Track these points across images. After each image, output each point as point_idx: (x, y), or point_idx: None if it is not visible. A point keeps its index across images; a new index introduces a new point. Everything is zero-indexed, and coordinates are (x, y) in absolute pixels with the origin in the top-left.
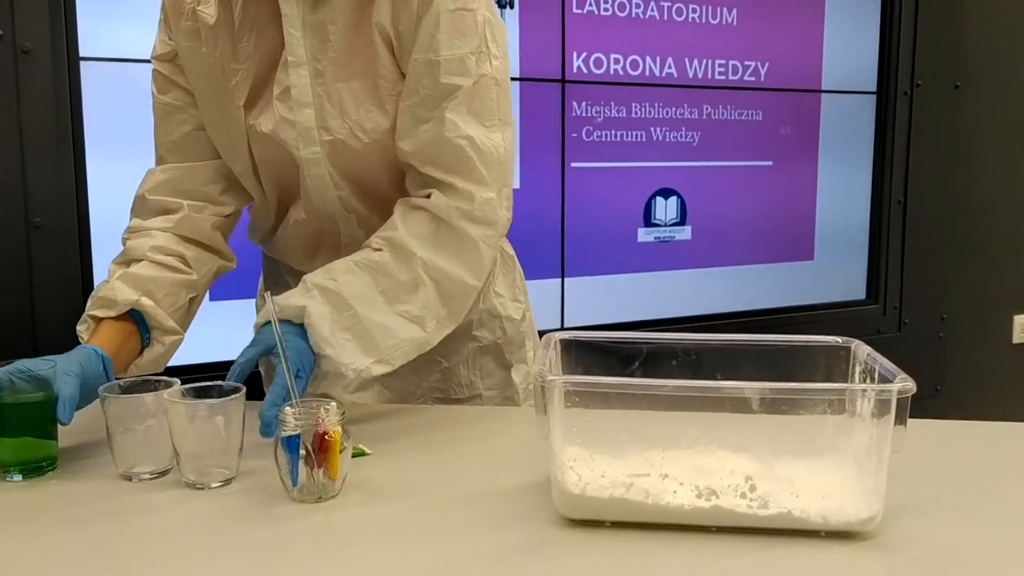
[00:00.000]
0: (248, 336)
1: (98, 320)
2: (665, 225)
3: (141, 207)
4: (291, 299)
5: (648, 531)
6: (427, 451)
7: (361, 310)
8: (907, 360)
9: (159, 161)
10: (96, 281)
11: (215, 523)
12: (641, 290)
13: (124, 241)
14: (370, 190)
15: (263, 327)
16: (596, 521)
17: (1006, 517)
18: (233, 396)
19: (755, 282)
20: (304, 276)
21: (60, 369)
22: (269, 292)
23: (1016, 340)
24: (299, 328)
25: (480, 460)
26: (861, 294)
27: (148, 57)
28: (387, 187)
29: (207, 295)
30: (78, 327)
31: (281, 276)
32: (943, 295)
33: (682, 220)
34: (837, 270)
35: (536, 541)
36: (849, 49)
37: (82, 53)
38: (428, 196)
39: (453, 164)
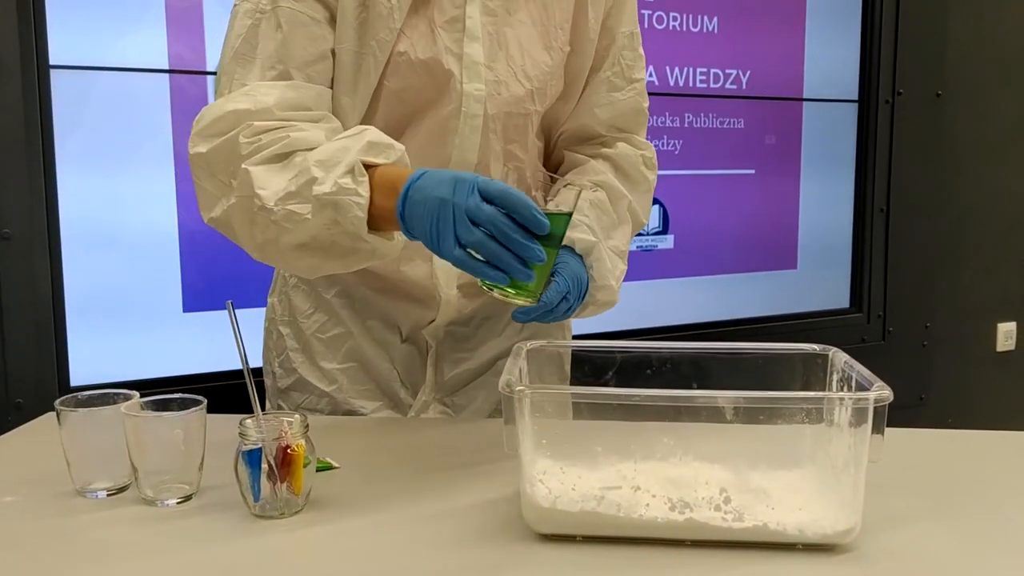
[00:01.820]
0: (214, 348)
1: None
2: (647, 234)
3: (270, 119)
4: (577, 232)
5: (621, 545)
6: (396, 465)
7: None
8: (891, 369)
9: (280, 76)
10: (68, 293)
11: (173, 541)
12: (624, 300)
13: (259, 139)
14: (512, 138)
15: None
16: (567, 536)
17: (987, 528)
18: (194, 409)
19: (738, 291)
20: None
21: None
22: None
23: (1000, 348)
24: (576, 255)
25: (450, 474)
26: (845, 303)
27: (120, 65)
28: (529, 140)
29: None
30: (348, 191)
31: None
32: (927, 304)
33: (665, 229)
34: (820, 279)
35: (505, 557)
36: (831, 58)
37: (52, 61)
38: (611, 147)
39: (634, 124)
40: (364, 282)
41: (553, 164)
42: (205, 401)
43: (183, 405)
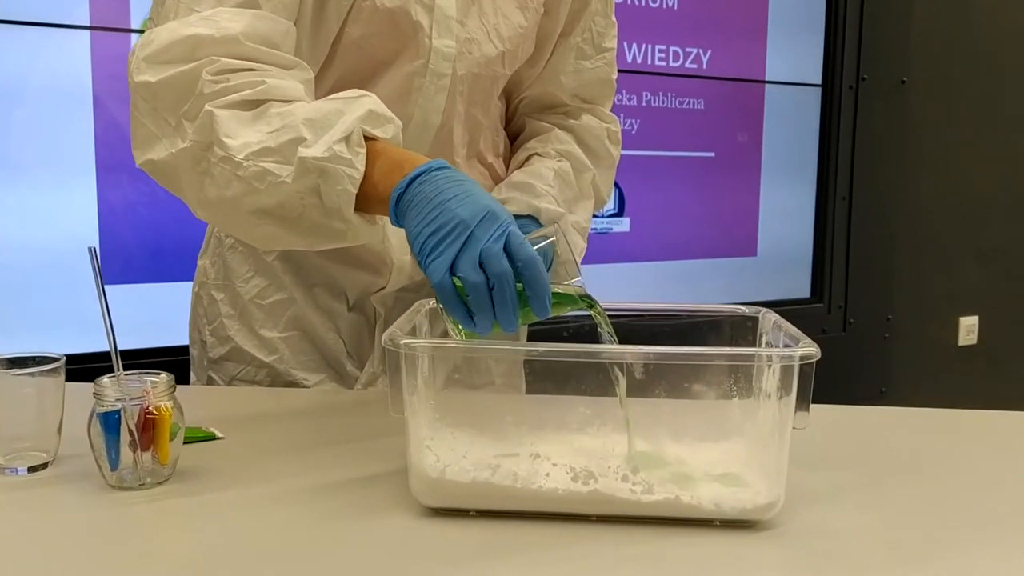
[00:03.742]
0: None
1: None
2: (603, 216)
3: (236, 51)
4: (542, 202)
5: (518, 520)
6: (281, 435)
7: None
8: (851, 361)
9: (244, 3)
10: None
11: (16, 512)
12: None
13: (227, 79)
14: (475, 101)
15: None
16: (459, 510)
17: (913, 506)
18: (50, 367)
19: (696, 278)
20: (520, 177)
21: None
22: None
23: (961, 343)
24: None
25: (345, 447)
26: (805, 292)
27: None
28: (492, 104)
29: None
30: (342, 159)
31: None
32: (889, 295)
33: (620, 211)
34: (781, 267)
35: (387, 534)
36: (795, 40)
37: None
38: (576, 118)
39: (600, 96)
40: None
41: (513, 131)
42: (63, 358)
43: (40, 364)
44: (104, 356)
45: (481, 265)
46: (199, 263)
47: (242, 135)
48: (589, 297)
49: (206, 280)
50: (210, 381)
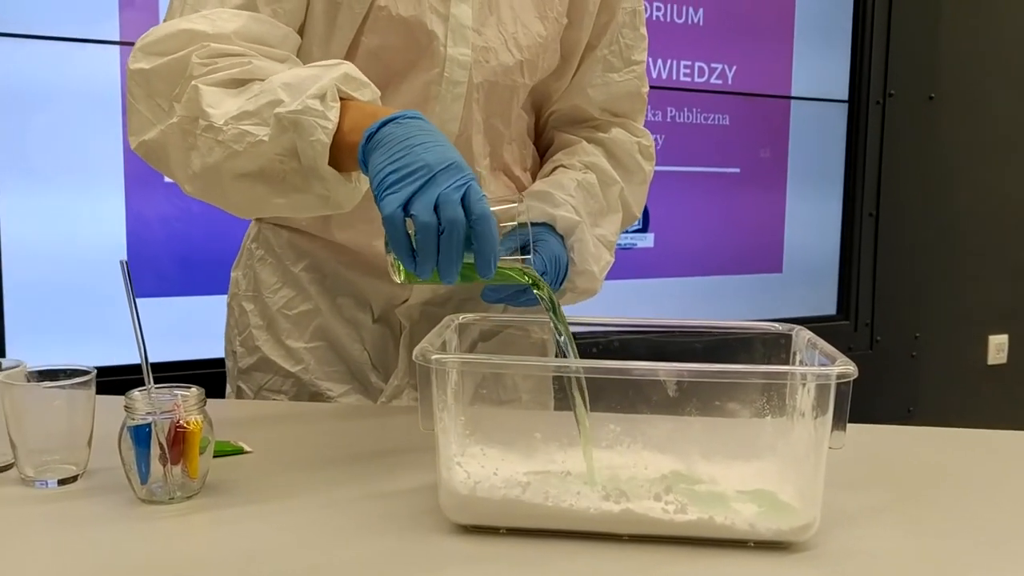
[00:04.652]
0: (188, 335)
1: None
2: (626, 232)
3: (227, 46)
4: (560, 211)
5: (549, 539)
6: (311, 449)
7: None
8: (879, 380)
9: (244, 6)
10: (8, 295)
11: (46, 524)
12: (600, 300)
13: (215, 62)
14: (494, 111)
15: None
16: (489, 527)
17: (950, 527)
18: (80, 379)
19: (720, 294)
20: (540, 187)
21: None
22: None
23: (991, 361)
24: (556, 235)
25: (370, 459)
26: (831, 309)
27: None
28: (512, 113)
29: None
30: (315, 111)
31: (272, 247)
32: (917, 313)
33: (645, 227)
34: (806, 284)
35: (416, 550)
36: (821, 56)
37: None
38: (605, 131)
39: (631, 110)
40: (334, 256)
41: (543, 145)
42: (94, 371)
43: (71, 376)
44: (130, 368)
45: (436, 209)
46: (232, 275)
47: (223, 105)
48: (538, 279)
49: (237, 292)
50: (239, 391)
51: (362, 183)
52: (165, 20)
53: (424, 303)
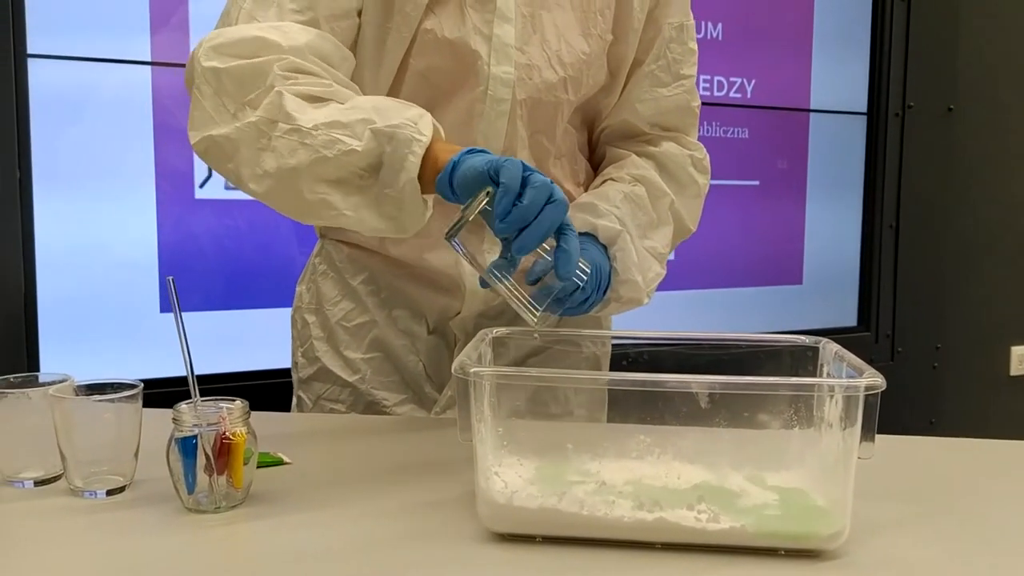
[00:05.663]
0: (214, 351)
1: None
2: None
3: (301, 60)
4: (602, 220)
5: (584, 547)
6: (351, 460)
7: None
8: (900, 391)
9: (308, 22)
10: (42, 306)
11: (94, 533)
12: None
13: (296, 77)
14: (539, 128)
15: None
16: (525, 536)
17: (977, 537)
18: (128, 393)
19: (741, 305)
20: (586, 199)
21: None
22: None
23: (1014, 372)
24: (599, 244)
25: (408, 470)
26: (852, 321)
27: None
28: (557, 130)
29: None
30: (411, 126)
31: (334, 261)
32: (938, 324)
33: None
34: (827, 295)
35: (454, 557)
36: (839, 68)
37: (30, 50)
38: (656, 145)
39: (682, 124)
40: (390, 269)
41: (596, 160)
42: (141, 385)
43: (118, 390)
44: (161, 381)
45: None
46: (296, 289)
47: (309, 113)
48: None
49: (301, 305)
50: (299, 400)
51: (430, 209)
52: (224, 24)
53: (478, 315)
